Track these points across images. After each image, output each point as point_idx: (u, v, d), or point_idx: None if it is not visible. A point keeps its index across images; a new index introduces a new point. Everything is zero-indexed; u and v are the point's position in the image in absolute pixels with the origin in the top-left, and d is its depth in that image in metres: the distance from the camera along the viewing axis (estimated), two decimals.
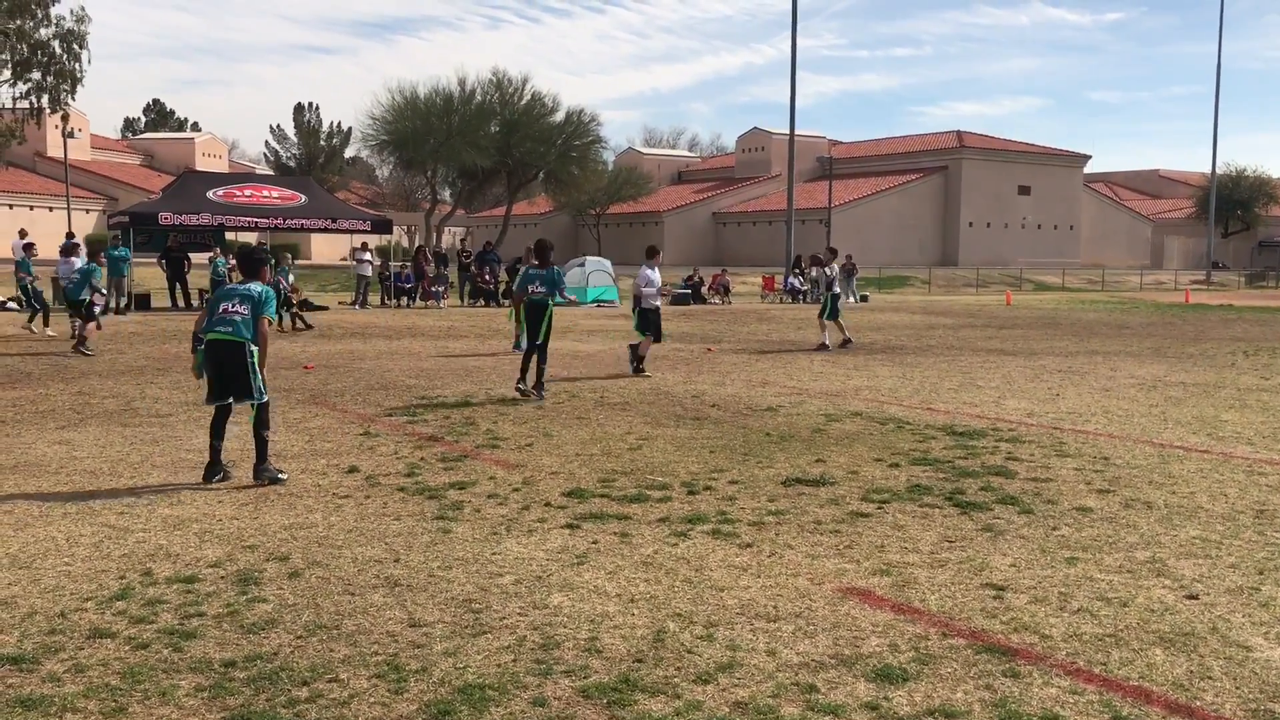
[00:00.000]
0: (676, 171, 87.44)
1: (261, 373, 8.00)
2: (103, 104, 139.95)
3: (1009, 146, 75.39)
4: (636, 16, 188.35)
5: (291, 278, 23.95)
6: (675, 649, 4.77)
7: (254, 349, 7.92)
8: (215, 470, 7.98)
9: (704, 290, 37.42)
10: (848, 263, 40.63)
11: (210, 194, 29.73)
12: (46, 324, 20.48)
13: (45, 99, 41.49)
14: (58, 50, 41.00)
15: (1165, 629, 5.06)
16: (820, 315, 20.04)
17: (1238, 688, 4.41)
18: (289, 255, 26.13)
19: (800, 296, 38.43)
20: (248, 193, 30.71)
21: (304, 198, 31.25)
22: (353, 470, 8.44)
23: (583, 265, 34.95)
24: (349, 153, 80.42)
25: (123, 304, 26.81)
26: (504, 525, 6.83)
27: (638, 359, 15.05)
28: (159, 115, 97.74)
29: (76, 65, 41.36)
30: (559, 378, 14.34)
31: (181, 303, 28.64)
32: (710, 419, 11.14)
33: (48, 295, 22.67)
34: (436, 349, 18.68)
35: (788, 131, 46.30)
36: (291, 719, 4.05)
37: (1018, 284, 54.52)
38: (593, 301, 33.33)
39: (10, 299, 27.56)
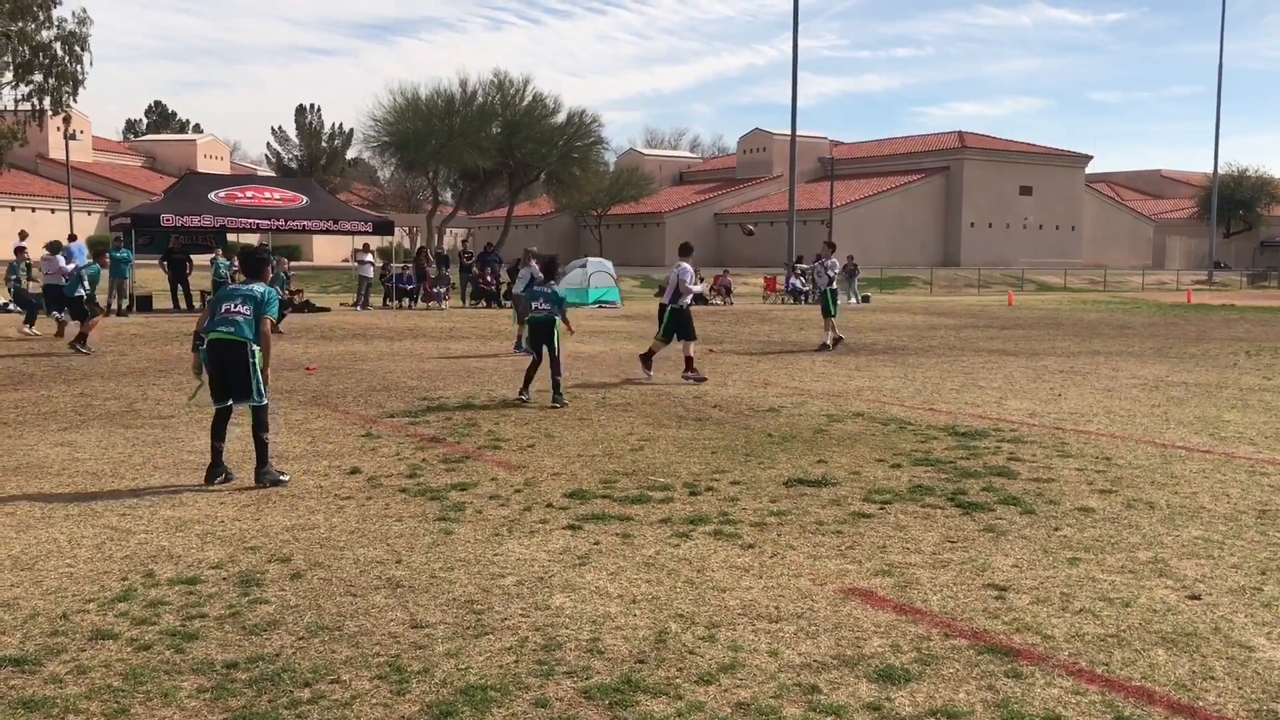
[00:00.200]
0: (678, 172, 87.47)
1: (265, 374, 8.00)
2: (104, 106, 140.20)
3: (1010, 147, 75.38)
4: (637, 17, 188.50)
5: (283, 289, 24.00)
6: (677, 650, 4.77)
7: (255, 349, 7.92)
8: (217, 472, 7.99)
9: (706, 291, 37.42)
10: (849, 263, 40.68)
11: (212, 195, 29.73)
12: (30, 323, 20.49)
13: (47, 101, 41.53)
14: (59, 52, 41.05)
15: (1167, 629, 5.05)
16: (830, 314, 19.93)
17: (1240, 688, 4.40)
18: (285, 260, 26.07)
19: (802, 297, 38.41)
20: (249, 194, 30.72)
21: (306, 199, 31.25)
22: (355, 471, 8.44)
23: (584, 266, 34.95)
24: (350, 154, 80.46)
25: (124, 305, 26.84)
26: (506, 526, 6.83)
27: (650, 356, 14.68)
28: (160, 117, 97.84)
29: (78, 67, 41.41)
30: (562, 377, 14.33)
31: (183, 304, 28.65)
32: (712, 420, 11.14)
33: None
34: (438, 350, 18.68)
35: (789, 132, 46.30)
36: None
37: (1019, 284, 54.50)
38: (594, 303, 33.32)
39: (9, 301, 27.58)
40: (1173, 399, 12.96)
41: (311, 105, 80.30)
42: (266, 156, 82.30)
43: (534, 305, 12.40)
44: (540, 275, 13.42)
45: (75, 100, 42.69)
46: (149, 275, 32.54)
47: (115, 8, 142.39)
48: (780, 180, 70.80)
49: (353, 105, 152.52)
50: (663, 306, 14.63)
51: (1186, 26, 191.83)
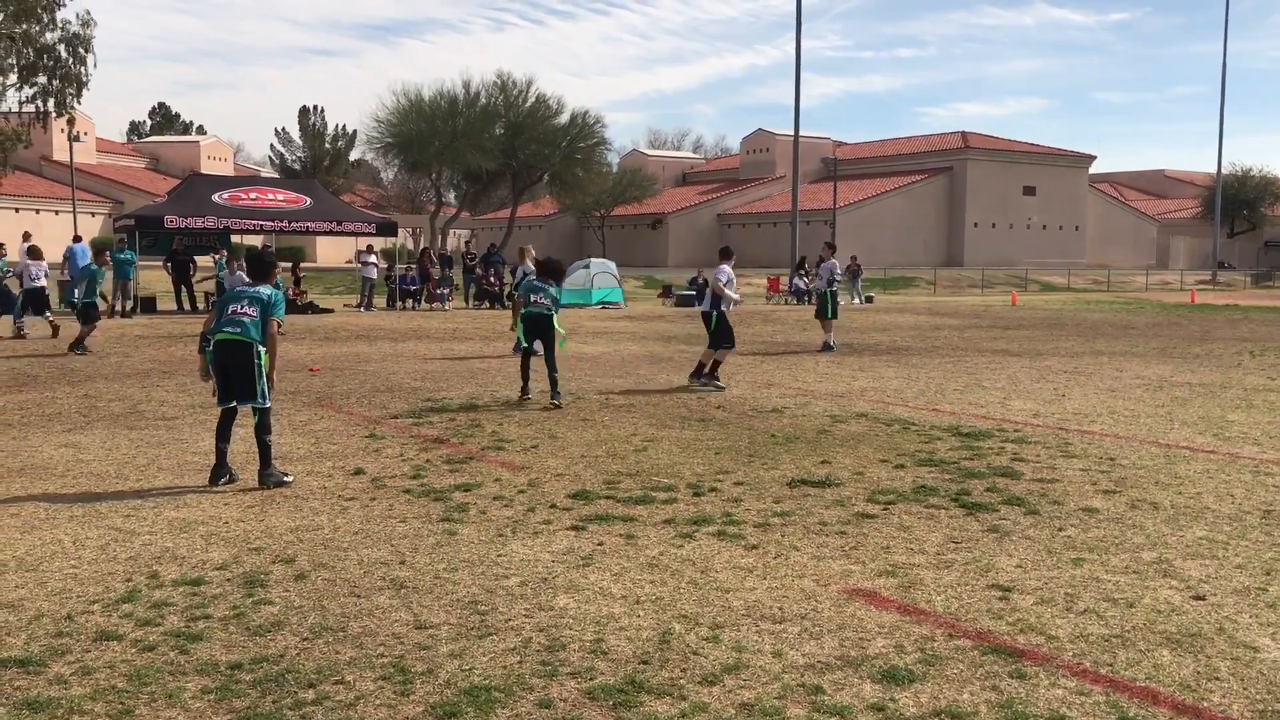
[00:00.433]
0: (681, 173, 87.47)
1: (270, 376, 8.02)
2: (108, 108, 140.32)
3: (1014, 147, 75.32)
4: (640, 18, 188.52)
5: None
6: (681, 650, 4.77)
7: (261, 350, 7.94)
8: (221, 472, 8.00)
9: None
10: (853, 263, 40.67)
11: (215, 197, 29.77)
12: (17, 319, 20.53)
13: (51, 103, 41.55)
14: (63, 54, 41.06)
15: (1172, 630, 5.05)
16: (827, 316, 20.00)
17: (1245, 688, 4.40)
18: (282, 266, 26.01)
19: (805, 298, 38.39)
20: (253, 196, 30.76)
21: (309, 200, 31.29)
22: (358, 472, 8.45)
23: (588, 267, 34.96)
24: (354, 155, 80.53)
25: (128, 307, 26.87)
26: (509, 527, 6.84)
27: (711, 368, 13.82)
28: (164, 118, 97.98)
29: (82, 69, 41.42)
30: (563, 377, 14.35)
31: (187, 305, 28.68)
32: (715, 420, 11.14)
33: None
34: (441, 351, 18.69)
35: (792, 133, 46.30)
36: None
37: (1023, 284, 54.46)
38: (598, 304, 33.33)
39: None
40: (1177, 399, 12.94)
41: (315, 106, 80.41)
42: (270, 158, 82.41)
43: (532, 299, 12.27)
44: (531, 271, 13.44)
45: (79, 102, 42.72)
46: (153, 277, 32.58)
47: (118, 10, 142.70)
48: (783, 181, 70.78)
49: (356, 106, 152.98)
50: (706, 314, 13.91)
51: (1190, 26, 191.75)
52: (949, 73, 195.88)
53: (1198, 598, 5.51)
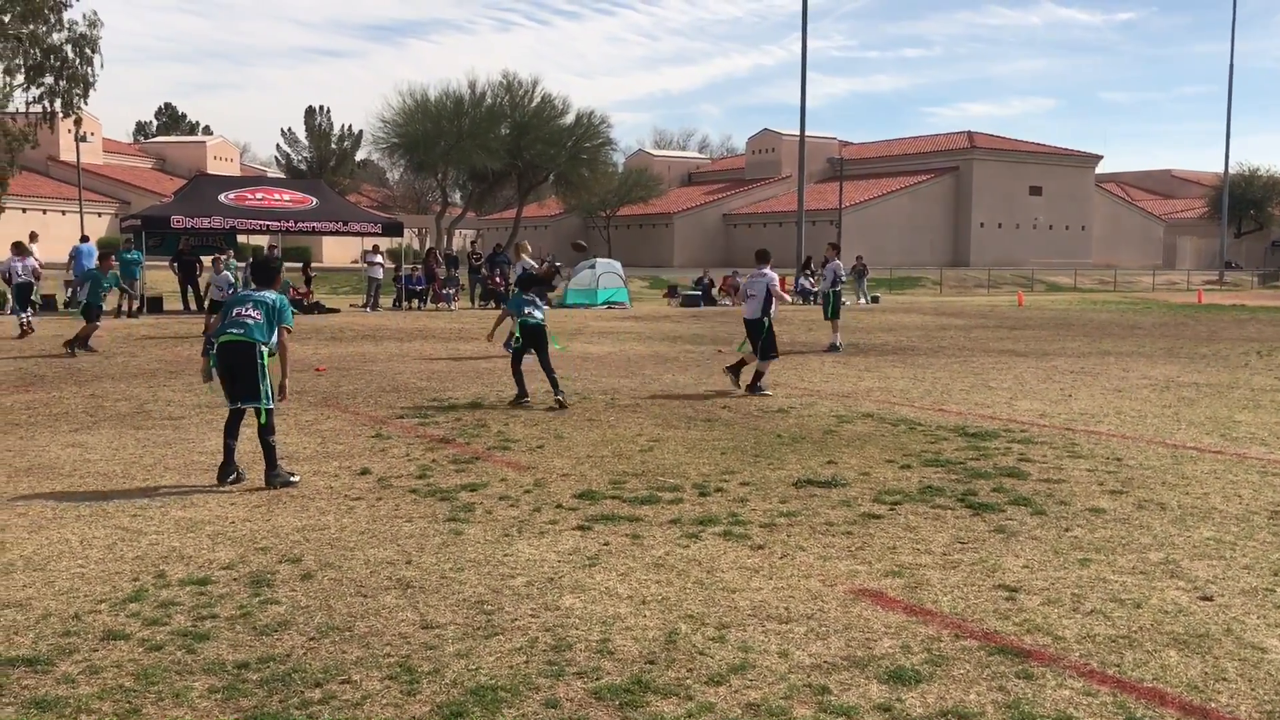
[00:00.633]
0: (686, 173, 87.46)
1: (284, 380, 8.08)
2: (115, 108, 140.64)
3: (1020, 147, 75.23)
4: (646, 18, 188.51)
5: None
6: (687, 650, 4.77)
7: (264, 350, 7.97)
8: (229, 470, 8.03)
9: (714, 292, 37.41)
10: (859, 263, 40.62)
11: (222, 197, 29.82)
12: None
13: (58, 103, 41.59)
14: (70, 55, 41.10)
15: (1179, 630, 5.04)
16: (829, 316, 20.02)
17: (1253, 689, 4.39)
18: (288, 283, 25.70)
19: (811, 298, 38.36)
20: (259, 196, 30.80)
21: (315, 201, 31.33)
22: (365, 472, 8.46)
23: (593, 267, 34.95)
24: (360, 155, 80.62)
25: (135, 307, 26.92)
26: (515, 527, 6.84)
27: (742, 371, 13.35)
28: (170, 119, 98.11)
29: (89, 70, 41.44)
30: (569, 377, 14.36)
31: (193, 305, 28.72)
32: (721, 421, 11.13)
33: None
34: (447, 351, 18.70)
35: (798, 133, 46.26)
36: None
37: (1029, 285, 54.39)
38: (603, 304, 33.34)
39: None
40: (1184, 399, 12.92)
41: (321, 107, 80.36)
42: (276, 158, 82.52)
43: (525, 311, 12.26)
44: (531, 266, 13.45)
45: (86, 102, 42.73)
46: (159, 277, 32.64)
47: (125, 10, 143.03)
48: (789, 181, 70.72)
49: (362, 107, 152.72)
50: (756, 322, 13.16)
51: (1197, 26, 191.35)
52: (955, 73, 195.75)
53: (1205, 598, 5.50)
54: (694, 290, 36.94)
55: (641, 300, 37.23)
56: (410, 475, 8.36)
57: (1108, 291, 52.40)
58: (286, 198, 31.15)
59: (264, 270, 8.60)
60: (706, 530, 6.76)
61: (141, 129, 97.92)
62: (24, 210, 54.15)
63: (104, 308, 18.72)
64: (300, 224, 30.66)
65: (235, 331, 7.96)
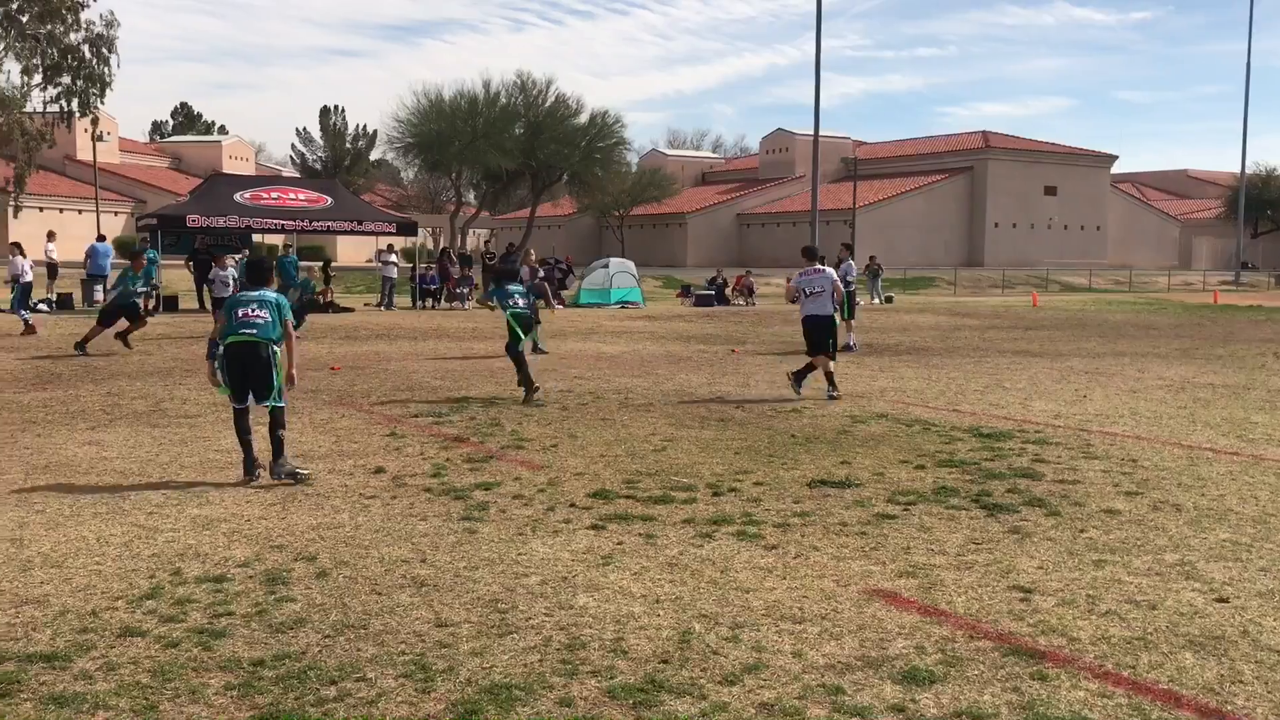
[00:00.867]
0: (700, 173, 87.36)
1: (292, 371, 8.18)
2: (131, 107, 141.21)
3: (1035, 147, 74.90)
4: (660, 18, 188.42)
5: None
6: (701, 650, 4.78)
7: (276, 350, 8.12)
8: (253, 464, 8.11)
9: (728, 292, 37.39)
10: (872, 263, 40.54)
11: (237, 196, 29.94)
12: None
13: (75, 103, 41.88)
14: (87, 54, 41.39)
15: (1195, 632, 5.02)
16: (844, 316, 19.96)
17: (1270, 692, 4.37)
18: (314, 269, 25.53)
19: None
20: (274, 195, 30.92)
21: (330, 200, 31.43)
22: (379, 471, 8.49)
23: (606, 267, 34.99)
24: (374, 155, 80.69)
25: (151, 306, 27.02)
26: (529, 526, 6.85)
27: (805, 370, 13.00)
28: (186, 118, 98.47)
29: (105, 69, 41.75)
30: (584, 377, 14.39)
31: (209, 304, 28.80)
32: (735, 420, 11.13)
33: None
34: (461, 350, 18.74)
35: (812, 132, 46.19)
36: (320, 718, 4.09)
37: (1044, 285, 54.20)
38: (617, 303, 33.36)
39: (41, 301, 27.84)
40: (1199, 400, 12.86)
41: (336, 106, 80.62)
42: (291, 158, 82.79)
43: (510, 302, 12.75)
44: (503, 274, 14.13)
45: (102, 102, 43.05)
46: (175, 275, 32.78)
47: (141, 10, 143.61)
48: (803, 180, 70.58)
49: (377, 107, 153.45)
50: (824, 319, 12.85)
51: (1213, 25, 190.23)
52: (969, 72, 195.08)
53: (1221, 600, 5.48)
54: (707, 290, 36.91)
55: (655, 300, 37.23)
56: (425, 474, 8.38)
57: (1123, 292, 52.18)
58: (302, 197, 31.26)
59: (257, 270, 8.70)
60: (720, 530, 6.76)
61: (158, 128, 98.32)
62: (40, 209, 54.45)
63: (139, 306, 18.80)
64: (315, 223, 30.79)
65: (248, 332, 8.08)
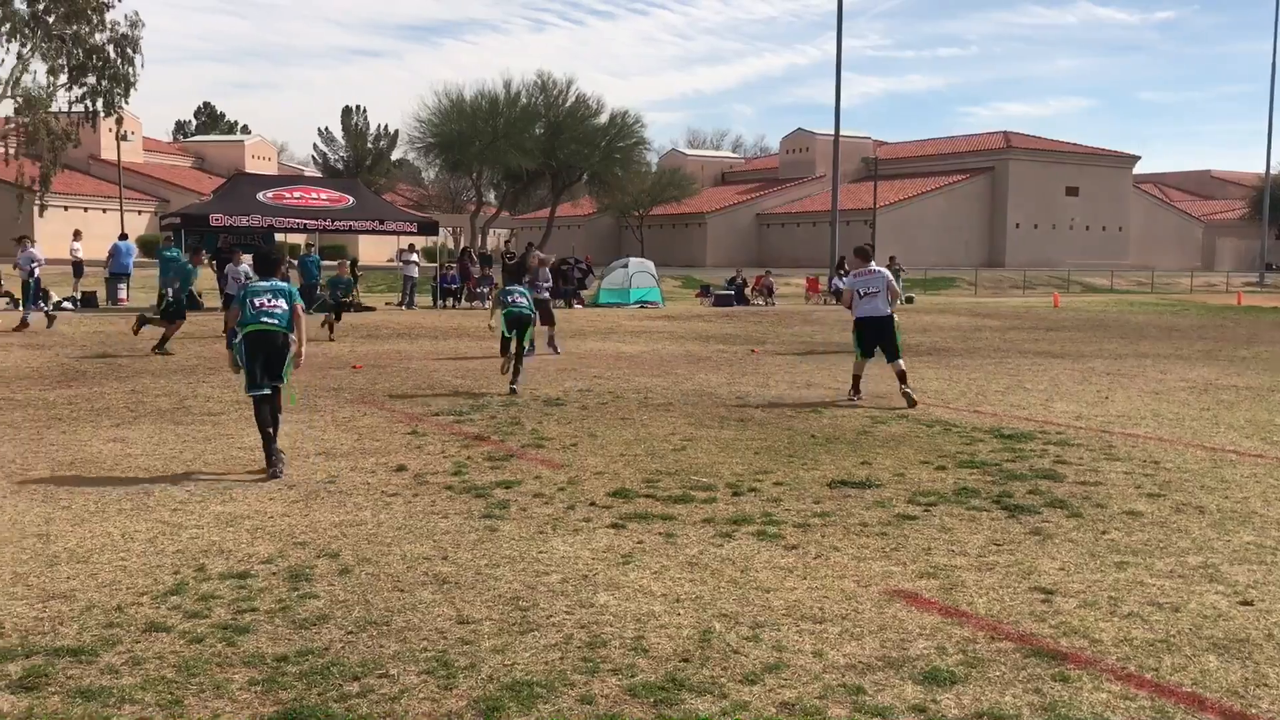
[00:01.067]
0: (720, 173, 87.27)
1: (301, 349, 8.62)
2: (154, 107, 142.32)
3: (1057, 147, 74.52)
4: (680, 18, 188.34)
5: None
6: (721, 649, 4.78)
7: (291, 339, 8.54)
8: (275, 456, 8.26)
9: (747, 291, 37.35)
10: (892, 263, 40.40)
11: (260, 196, 30.09)
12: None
13: (100, 102, 42.18)
14: (112, 55, 41.68)
15: (1219, 635, 4.99)
16: None
17: None
18: (346, 264, 24.91)
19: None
20: (297, 194, 31.04)
21: (352, 200, 31.54)
22: (401, 469, 8.53)
23: (626, 267, 35.00)
24: (396, 155, 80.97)
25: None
26: (550, 524, 6.88)
27: (855, 383, 12.82)
28: (209, 118, 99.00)
29: (130, 69, 42.02)
30: (603, 376, 14.41)
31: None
32: (754, 420, 11.13)
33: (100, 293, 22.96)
34: (481, 349, 18.78)
35: (832, 132, 46.09)
36: (343, 713, 4.11)
37: (1065, 286, 53.91)
38: (636, 303, 33.37)
39: (66, 299, 28.06)
40: (1223, 402, 12.77)
41: (357, 106, 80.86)
42: (313, 157, 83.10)
43: (510, 300, 13.46)
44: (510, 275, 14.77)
45: (127, 102, 43.33)
46: (199, 274, 32.91)
47: (165, 11, 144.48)
48: (823, 180, 70.44)
49: (398, 107, 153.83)
50: (884, 319, 12.59)
51: (1237, 25, 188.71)
52: (990, 72, 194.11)
53: (1245, 603, 5.45)
54: (727, 290, 36.88)
55: (674, 300, 37.22)
56: (446, 472, 8.42)
57: (1145, 293, 51.84)
58: (324, 197, 31.39)
59: (267, 261, 9.21)
60: (740, 530, 6.77)
61: (181, 128, 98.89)
62: (65, 208, 54.89)
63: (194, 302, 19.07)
64: (337, 223, 30.91)
65: (268, 321, 8.45)
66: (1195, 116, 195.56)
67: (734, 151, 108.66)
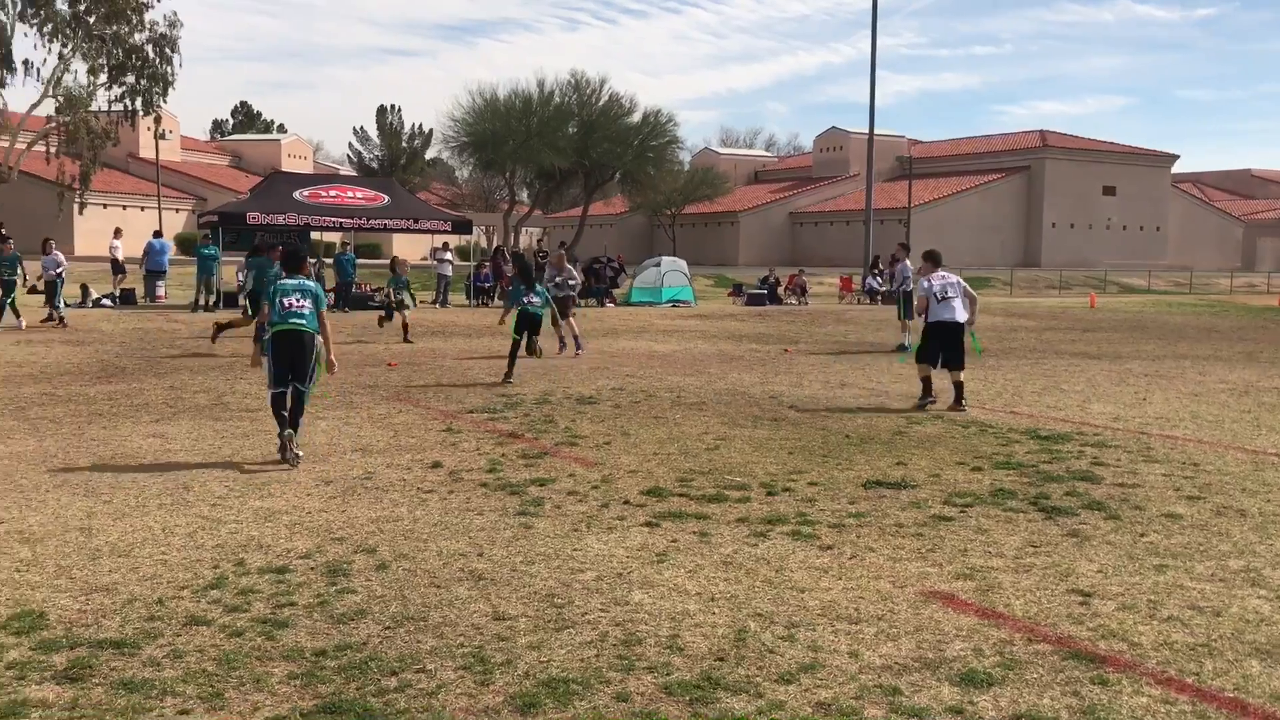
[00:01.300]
0: (753, 171, 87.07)
1: (330, 356, 8.85)
2: (192, 106, 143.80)
3: (1094, 146, 73.79)
4: (713, 17, 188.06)
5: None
6: (756, 648, 4.78)
7: (318, 339, 8.74)
8: (289, 448, 8.56)
9: (780, 291, 37.25)
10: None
11: (296, 194, 30.32)
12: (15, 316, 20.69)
13: (139, 101, 42.72)
14: (150, 54, 42.19)
15: (1261, 640, 4.93)
16: (899, 315, 19.91)
17: None
18: (405, 262, 24.16)
19: (879, 298, 38.03)
20: (332, 193, 31.27)
21: (387, 198, 31.73)
22: (436, 465, 8.58)
23: (658, 265, 35.00)
24: (430, 154, 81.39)
25: (211, 301, 27.51)
26: (584, 522, 6.90)
27: (925, 386, 12.26)
28: (246, 117, 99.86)
29: (168, 69, 42.55)
30: (635, 375, 14.43)
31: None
32: (788, 420, 11.10)
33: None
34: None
35: (866, 131, 45.87)
36: (381, 708, 4.15)
37: (1102, 286, 53.39)
38: (668, 302, 33.36)
39: (105, 296, 28.41)
40: (1264, 405, 12.61)
41: (392, 106, 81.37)
42: (348, 156, 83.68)
43: (525, 300, 14.38)
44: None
45: (165, 101, 43.85)
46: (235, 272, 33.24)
47: (202, 11, 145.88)
48: (857, 179, 70.11)
49: (432, 106, 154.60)
50: (959, 326, 12.12)
51: None
52: (1026, 70, 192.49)
53: None
54: (759, 289, 36.79)
55: (706, 299, 37.19)
56: (480, 469, 8.46)
57: (1183, 293, 51.25)
58: (359, 195, 31.59)
59: (294, 258, 9.34)
60: (775, 529, 6.76)
61: (218, 127, 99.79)
62: (105, 206, 55.51)
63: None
64: (372, 221, 31.11)
65: (296, 321, 8.65)
66: (1236, 114, 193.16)
67: (767, 150, 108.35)
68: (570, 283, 18.77)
